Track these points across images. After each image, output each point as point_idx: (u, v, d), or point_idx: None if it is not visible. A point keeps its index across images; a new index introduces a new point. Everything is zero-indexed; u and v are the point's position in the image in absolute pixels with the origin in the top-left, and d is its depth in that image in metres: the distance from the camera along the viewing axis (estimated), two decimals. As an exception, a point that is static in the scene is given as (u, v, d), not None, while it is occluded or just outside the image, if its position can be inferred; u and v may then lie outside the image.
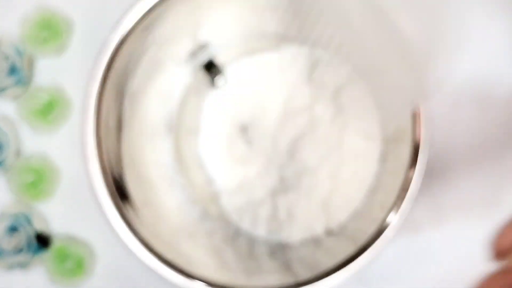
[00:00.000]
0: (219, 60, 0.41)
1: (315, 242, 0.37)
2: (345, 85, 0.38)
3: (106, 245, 0.42)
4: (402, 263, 0.41)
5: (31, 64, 0.43)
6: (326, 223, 0.38)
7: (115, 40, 0.31)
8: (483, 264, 0.40)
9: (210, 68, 0.41)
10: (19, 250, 0.41)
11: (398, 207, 0.30)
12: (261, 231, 0.39)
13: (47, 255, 0.41)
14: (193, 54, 0.39)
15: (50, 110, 0.43)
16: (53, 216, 0.43)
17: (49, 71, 0.44)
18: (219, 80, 0.42)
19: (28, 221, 0.42)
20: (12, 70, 0.42)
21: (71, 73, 0.44)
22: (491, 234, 0.40)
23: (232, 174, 0.41)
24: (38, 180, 0.42)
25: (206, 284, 0.30)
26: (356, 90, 0.38)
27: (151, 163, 0.38)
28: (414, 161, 0.30)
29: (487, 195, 0.42)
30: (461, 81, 0.42)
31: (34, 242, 0.41)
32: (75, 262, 0.41)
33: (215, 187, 0.41)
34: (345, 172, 0.37)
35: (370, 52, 0.34)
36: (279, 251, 0.37)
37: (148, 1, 0.31)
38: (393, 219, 0.30)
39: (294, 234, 0.38)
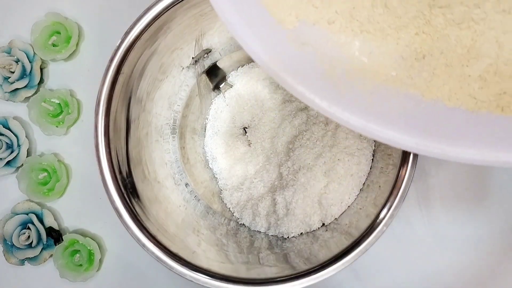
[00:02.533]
0: (221, 65, 0.42)
1: (312, 236, 0.37)
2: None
3: (115, 240, 0.43)
4: (393, 257, 0.42)
5: (42, 68, 0.45)
6: (322, 218, 0.38)
7: (124, 46, 0.31)
8: (471, 258, 0.42)
9: (213, 72, 0.42)
10: (30, 246, 0.42)
11: (390, 204, 0.30)
12: (260, 226, 0.39)
13: (57, 250, 0.42)
14: (197, 59, 0.39)
15: (60, 112, 0.44)
16: (64, 212, 0.44)
17: (59, 75, 0.45)
18: (221, 83, 0.43)
19: (39, 217, 0.43)
20: (24, 74, 0.44)
21: (80, 77, 0.45)
22: (479, 229, 0.42)
23: (234, 172, 0.42)
24: (48, 178, 0.43)
25: (209, 276, 0.31)
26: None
27: (158, 162, 0.38)
28: (405, 160, 0.30)
29: (475, 192, 0.42)
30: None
31: (45, 238, 0.42)
32: (85, 257, 0.42)
33: (218, 184, 0.42)
34: (339, 170, 0.37)
35: None
36: (278, 244, 0.38)
37: (155, 9, 0.31)
38: (385, 215, 0.30)
39: (292, 228, 0.38)
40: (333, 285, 0.42)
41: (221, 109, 0.43)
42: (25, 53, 0.44)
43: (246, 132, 0.43)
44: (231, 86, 0.43)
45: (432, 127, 0.22)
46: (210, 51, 0.40)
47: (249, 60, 0.42)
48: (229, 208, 0.41)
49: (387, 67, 0.23)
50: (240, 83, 0.42)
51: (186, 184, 0.41)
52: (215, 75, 0.42)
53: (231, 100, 0.42)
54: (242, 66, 0.42)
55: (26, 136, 0.44)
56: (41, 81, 0.45)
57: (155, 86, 0.37)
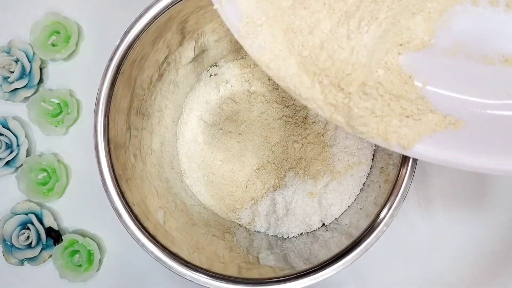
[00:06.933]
0: (220, 63, 0.42)
1: (312, 236, 0.38)
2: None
3: (115, 240, 0.43)
4: (393, 257, 0.42)
5: (41, 68, 0.44)
6: (322, 218, 0.38)
7: (124, 46, 0.31)
8: (471, 258, 0.42)
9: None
10: (30, 246, 0.42)
11: (391, 203, 0.31)
12: (260, 226, 0.39)
13: (57, 250, 0.42)
14: (196, 57, 0.39)
15: (59, 112, 0.43)
16: (63, 212, 0.44)
17: (59, 74, 0.45)
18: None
19: (39, 218, 0.43)
20: (23, 74, 0.43)
21: (80, 77, 0.45)
22: (479, 229, 0.42)
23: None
24: (48, 178, 0.43)
25: (209, 276, 0.31)
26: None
27: (159, 161, 0.38)
28: (405, 159, 0.30)
29: (475, 192, 0.42)
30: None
31: (45, 238, 0.42)
32: (85, 257, 0.42)
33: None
34: (339, 170, 0.37)
35: None
36: (278, 244, 0.38)
37: (154, 8, 0.31)
38: (385, 215, 0.30)
39: (292, 228, 0.38)
40: (333, 285, 0.42)
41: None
42: (25, 53, 0.43)
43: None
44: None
45: None
46: (208, 51, 0.40)
47: (245, 60, 0.42)
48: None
49: None
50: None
51: (185, 183, 0.41)
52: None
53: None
54: (238, 64, 0.42)
55: (25, 136, 0.44)
56: (41, 81, 0.45)
57: (155, 86, 0.37)
